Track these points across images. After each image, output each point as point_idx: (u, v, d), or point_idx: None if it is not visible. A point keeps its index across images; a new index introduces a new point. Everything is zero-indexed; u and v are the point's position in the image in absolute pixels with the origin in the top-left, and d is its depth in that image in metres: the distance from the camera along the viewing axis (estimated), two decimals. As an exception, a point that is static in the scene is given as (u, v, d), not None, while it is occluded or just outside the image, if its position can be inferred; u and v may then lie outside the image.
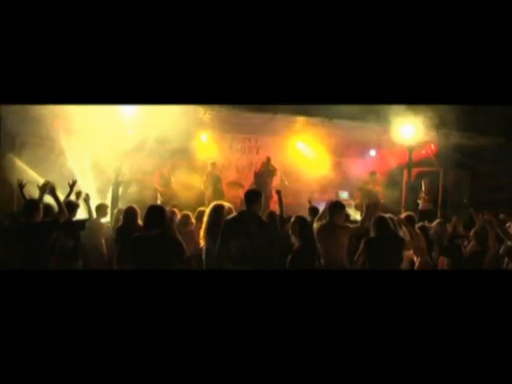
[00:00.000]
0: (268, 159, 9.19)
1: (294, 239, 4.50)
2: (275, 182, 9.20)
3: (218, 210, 4.73)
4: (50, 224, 4.41)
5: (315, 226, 4.87)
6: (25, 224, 4.37)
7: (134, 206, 5.02)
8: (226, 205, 4.90)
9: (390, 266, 4.46)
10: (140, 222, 4.86)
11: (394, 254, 4.55)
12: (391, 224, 4.76)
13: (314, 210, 5.70)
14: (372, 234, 4.58)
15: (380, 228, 4.56)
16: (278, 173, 9.21)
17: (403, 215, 5.90)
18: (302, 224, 4.51)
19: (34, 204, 4.45)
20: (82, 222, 5.17)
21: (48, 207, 4.64)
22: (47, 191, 4.40)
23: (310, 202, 6.51)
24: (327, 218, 4.79)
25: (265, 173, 8.93)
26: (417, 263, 5.52)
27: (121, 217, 5.16)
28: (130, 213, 4.89)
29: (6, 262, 4.35)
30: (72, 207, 5.17)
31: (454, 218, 7.16)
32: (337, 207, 4.78)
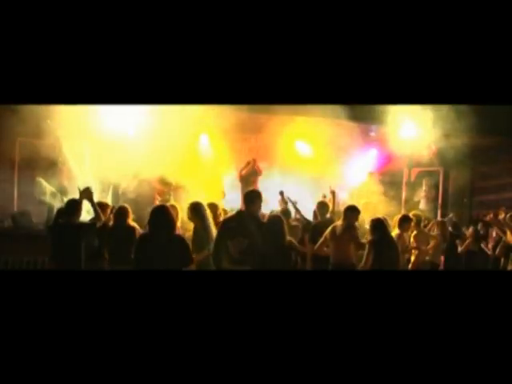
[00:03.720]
0: (254, 160, 9.21)
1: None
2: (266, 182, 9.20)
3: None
4: (88, 227, 4.54)
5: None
6: (64, 224, 4.48)
7: (126, 205, 5.01)
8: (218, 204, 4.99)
9: (391, 266, 4.47)
10: (131, 221, 4.85)
11: (394, 255, 4.56)
12: (388, 225, 4.80)
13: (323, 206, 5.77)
14: (371, 236, 4.59)
15: (378, 229, 4.57)
16: (264, 173, 9.20)
17: (410, 214, 5.92)
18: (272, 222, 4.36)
19: (75, 205, 4.55)
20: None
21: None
22: (86, 197, 4.54)
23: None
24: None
25: (250, 174, 8.95)
26: (415, 262, 5.54)
27: (111, 216, 5.14)
28: (121, 212, 4.87)
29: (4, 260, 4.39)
30: (101, 208, 5.22)
31: (454, 217, 7.19)
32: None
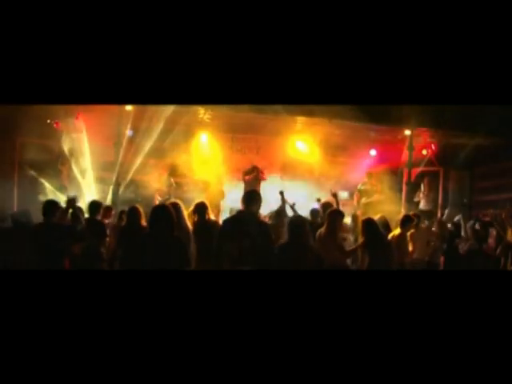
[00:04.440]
0: (255, 167, 9.28)
1: (284, 234, 4.24)
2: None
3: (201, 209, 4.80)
4: (67, 228, 4.52)
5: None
6: (42, 224, 4.46)
7: (138, 206, 4.99)
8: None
9: (387, 265, 4.47)
10: (144, 222, 4.82)
11: (388, 254, 4.56)
12: (378, 225, 4.78)
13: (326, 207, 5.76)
14: (363, 238, 4.57)
15: (370, 230, 4.56)
16: (266, 178, 9.25)
17: (400, 216, 5.93)
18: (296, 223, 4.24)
19: (54, 205, 4.56)
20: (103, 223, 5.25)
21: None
22: (70, 206, 4.61)
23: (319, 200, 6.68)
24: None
25: (253, 179, 9.02)
26: (408, 259, 5.53)
27: (124, 216, 5.13)
28: (133, 213, 4.85)
29: (12, 260, 4.39)
30: (96, 207, 5.27)
31: (454, 217, 7.19)
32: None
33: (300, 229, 3.92)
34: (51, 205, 4.56)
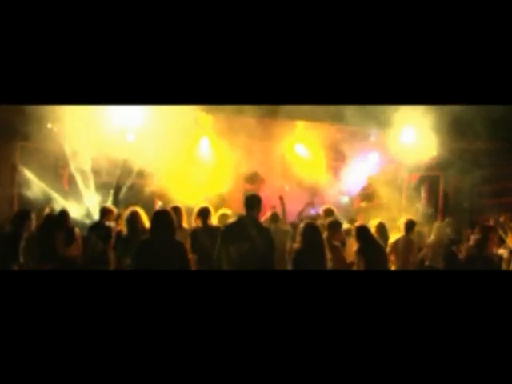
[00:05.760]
0: (256, 173, 9.32)
1: (298, 240, 4.22)
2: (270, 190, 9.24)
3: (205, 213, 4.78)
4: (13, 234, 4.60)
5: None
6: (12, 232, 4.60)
7: (138, 209, 4.92)
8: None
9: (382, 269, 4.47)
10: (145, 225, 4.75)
11: (382, 258, 4.56)
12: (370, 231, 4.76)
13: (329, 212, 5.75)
14: (358, 244, 4.56)
15: (363, 236, 4.55)
16: (267, 182, 9.30)
17: (403, 220, 5.91)
18: (311, 229, 4.21)
19: (26, 214, 4.70)
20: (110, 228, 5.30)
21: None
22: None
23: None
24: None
25: (255, 187, 9.07)
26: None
27: (123, 223, 5.09)
28: (132, 218, 4.77)
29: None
30: (105, 212, 5.39)
31: (450, 220, 7.20)
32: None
33: (315, 239, 3.96)
34: (20, 215, 4.73)
